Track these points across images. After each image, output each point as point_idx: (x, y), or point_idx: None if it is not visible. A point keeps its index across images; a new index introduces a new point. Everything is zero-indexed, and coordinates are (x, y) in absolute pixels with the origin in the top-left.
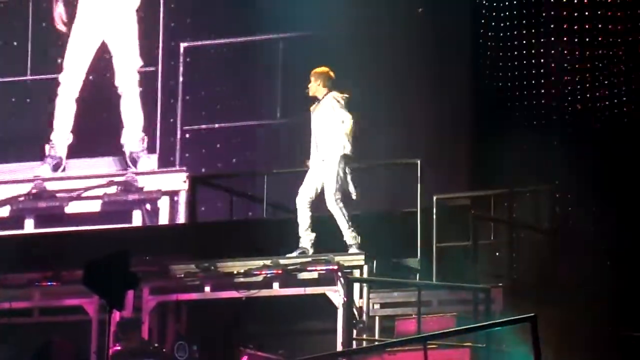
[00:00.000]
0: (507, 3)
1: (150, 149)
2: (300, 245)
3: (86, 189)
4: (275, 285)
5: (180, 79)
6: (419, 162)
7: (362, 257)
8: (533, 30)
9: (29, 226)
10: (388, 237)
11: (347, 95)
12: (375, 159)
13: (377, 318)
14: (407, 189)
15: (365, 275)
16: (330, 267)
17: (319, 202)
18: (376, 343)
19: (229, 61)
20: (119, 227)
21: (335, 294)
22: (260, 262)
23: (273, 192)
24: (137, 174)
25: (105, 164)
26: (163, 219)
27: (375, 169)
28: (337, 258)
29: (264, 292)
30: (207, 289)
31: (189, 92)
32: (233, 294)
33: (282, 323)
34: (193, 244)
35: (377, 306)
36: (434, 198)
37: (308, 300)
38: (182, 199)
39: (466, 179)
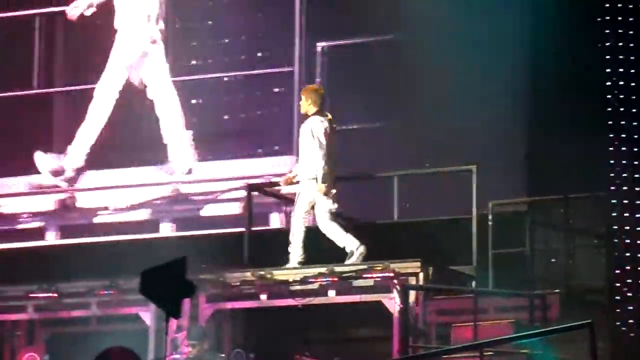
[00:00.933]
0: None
1: (287, 151)
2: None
3: (222, 192)
4: (331, 292)
5: (318, 79)
6: (474, 168)
7: (418, 264)
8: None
9: (165, 229)
10: (444, 244)
11: (329, 118)
12: (430, 165)
13: (433, 325)
14: (462, 196)
15: (421, 283)
16: (386, 274)
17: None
18: (432, 350)
19: (368, 61)
20: (176, 235)
21: (391, 302)
22: (316, 270)
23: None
24: (274, 175)
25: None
26: None
27: (431, 175)
28: (393, 265)
29: (320, 300)
30: (263, 296)
31: (326, 93)
32: (289, 301)
33: (338, 330)
34: (250, 253)
35: (433, 313)
36: (490, 204)
37: (364, 308)
38: None
39: (522, 185)
